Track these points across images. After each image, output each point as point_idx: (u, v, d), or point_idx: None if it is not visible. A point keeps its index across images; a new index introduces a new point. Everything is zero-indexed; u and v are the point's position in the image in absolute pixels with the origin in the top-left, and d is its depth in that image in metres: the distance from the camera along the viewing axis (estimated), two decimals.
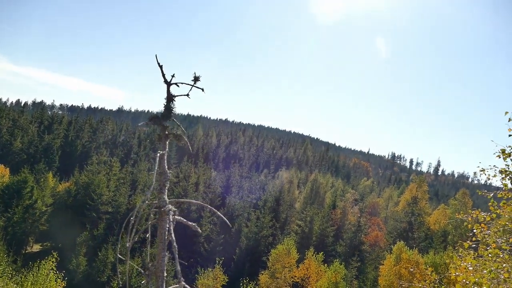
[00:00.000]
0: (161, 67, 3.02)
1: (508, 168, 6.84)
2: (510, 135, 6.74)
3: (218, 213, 2.83)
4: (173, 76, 3.05)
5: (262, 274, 38.60)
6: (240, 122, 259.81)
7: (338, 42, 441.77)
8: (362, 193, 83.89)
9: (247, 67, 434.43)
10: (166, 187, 2.79)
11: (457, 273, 7.11)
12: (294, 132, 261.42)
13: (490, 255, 7.03)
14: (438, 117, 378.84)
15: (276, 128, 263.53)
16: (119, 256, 2.78)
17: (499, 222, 7.59)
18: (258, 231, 49.47)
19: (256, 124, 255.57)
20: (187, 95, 3.11)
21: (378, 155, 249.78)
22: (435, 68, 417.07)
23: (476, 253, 7.83)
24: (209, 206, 2.90)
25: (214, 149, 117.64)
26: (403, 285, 27.37)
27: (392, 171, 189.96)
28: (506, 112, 6.70)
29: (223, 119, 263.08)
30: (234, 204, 55.61)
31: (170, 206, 2.68)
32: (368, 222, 59.58)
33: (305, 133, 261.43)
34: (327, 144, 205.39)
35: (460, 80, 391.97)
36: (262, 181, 70.47)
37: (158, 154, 2.81)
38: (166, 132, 3.00)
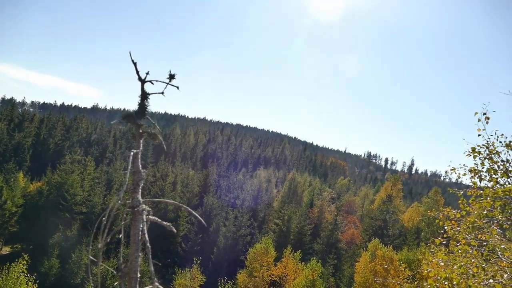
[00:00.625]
0: (135, 64, 2.95)
1: (477, 167, 7.06)
2: (479, 135, 6.97)
3: (193, 212, 2.79)
4: (147, 73, 2.98)
5: (240, 273, 38.58)
6: (219, 121, 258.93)
7: (316, 43, 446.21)
8: (339, 192, 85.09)
9: (227, 66, 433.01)
10: (140, 187, 2.73)
11: (429, 269, 7.31)
12: (272, 131, 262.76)
13: (460, 251, 7.26)
14: (412, 117, 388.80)
15: (255, 127, 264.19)
16: (91, 257, 2.70)
17: (469, 219, 7.84)
18: (236, 230, 49.42)
19: (235, 123, 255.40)
20: (162, 93, 3.04)
21: (355, 154, 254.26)
22: (409, 69, 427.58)
23: (447, 249, 8.07)
24: (183, 206, 2.85)
25: (192, 148, 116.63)
26: (378, 282, 27.96)
27: (368, 170, 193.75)
28: (476, 113, 6.92)
29: (201, 117, 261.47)
30: (212, 203, 55.30)
31: (144, 206, 2.62)
32: (344, 220, 60.54)
33: (283, 133, 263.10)
34: (305, 144, 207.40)
35: (433, 81, 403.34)
36: (240, 180, 70.41)
37: (132, 153, 2.74)
38: (141, 131, 2.93)
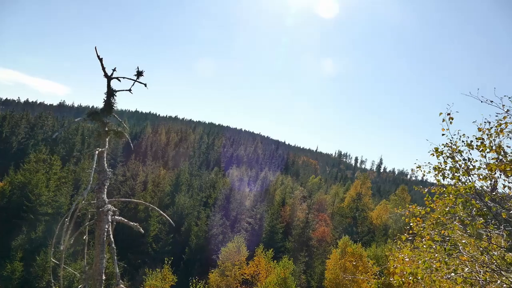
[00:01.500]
0: (101, 60, 2.85)
1: (441, 165, 7.32)
2: (443, 134, 7.23)
3: (160, 211, 2.74)
4: (114, 70, 2.89)
5: (212, 272, 38.40)
6: (191, 119, 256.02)
7: (290, 44, 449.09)
8: (310, 190, 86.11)
9: (199, 64, 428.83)
10: (106, 186, 2.64)
11: (395, 265, 7.53)
12: (245, 130, 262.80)
13: (424, 246, 7.52)
14: (381, 117, 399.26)
15: (227, 126, 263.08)
16: (53, 260, 2.60)
17: (433, 215, 8.14)
18: (208, 229, 49.11)
19: (207, 122, 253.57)
20: (130, 90, 2.97)
21: (326, 153, 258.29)
22: (379, 71, 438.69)
23: (413, 245, 8.34)
24: (151, 205, 2.79)
25: (163, 146, 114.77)
26: (347, 278, 28.55)
27: (339, 168, 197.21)
28: (440, 113, 7.18)
29: (173, 116, 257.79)
30: (184, 202, 54.71)
31: (109, 206, 2.54)
32: (315, 218, 61.40)
33: (256, 132, 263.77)
34: (277, 143, 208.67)
35: (401, 83, 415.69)
36: (213, 179, 69.94)
37: (97, 152, 2.65)
38: (106, 129, 2.84)
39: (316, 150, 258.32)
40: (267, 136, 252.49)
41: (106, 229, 2.48)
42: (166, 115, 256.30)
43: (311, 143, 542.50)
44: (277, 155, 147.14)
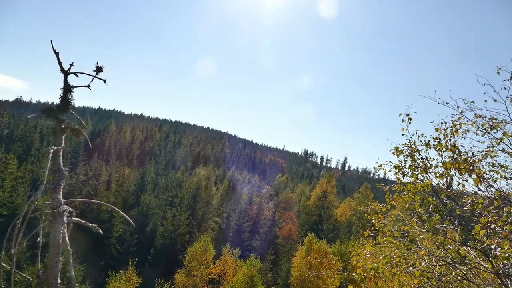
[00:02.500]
0: (57, 54, 2.71)
1: (401, 164, 7.59)
2: (403, 134, 7.51)
3: (120, 212, 2.65)
4: (71, 65, 2.76)
5: (178, 273, 37.91)
6: (157, 117, 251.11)
7: (257, 43, 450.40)
8: (277, 189, 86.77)
9: (165, 61, 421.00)
10: (61, 186, 2.52)
11: (358, 260, 7.74)
12: (212, 129, 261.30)
13: (385, 242, 7.79)
14: (346, 117, 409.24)
15: (194, 124, 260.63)
16: (3, 265, 2.46)
17: (393, 212, 8.44)
18: (174, 229, 48.41)
19: (173, 120, 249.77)
20: (88, 86, 2.84)
21: (293, 152, 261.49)
22: (343, 71, 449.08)
23: (375, 241, 8.61)
24: (110, 206, 2.70)
25: (128, 145, 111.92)
26: (312, 275, 29.06)
27: (305, 167, 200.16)
28: (400, 114, 7.45)
29: (138, 114, 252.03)
30: (149, 202, 53.59)
31: (65, 207, 2.43)
32: (282, 216, 62.04)
33: (223, 130, 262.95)
34: (244, 141, 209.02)
35: (363, 83, 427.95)
36: (179, 178, 68.93)
37: (51, 150, 2.52)
38: (62, 126, 2.70)
39: (283, 149, 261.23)
40: (235, 135, 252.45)
41: (61, 231, 2.37)
42: (131, 113, 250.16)
43: (278, 142, 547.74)
44: (245, 154, 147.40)
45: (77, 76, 2.83)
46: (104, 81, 2.81)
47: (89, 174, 56.66)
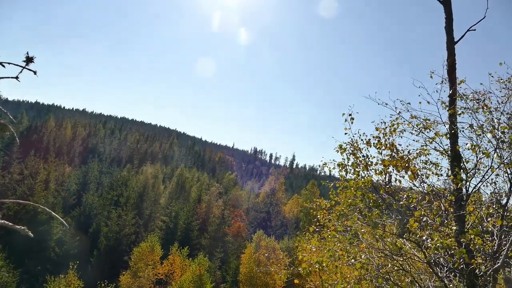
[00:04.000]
0: None
1: (344, 161, 7.93)
2: (346, 133, 7.84)
3: (52, 213, 2.52)
4: None
5: (123, 274, 36.66)
6: (101, 113, 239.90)
7: (204, 37, 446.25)
8: (226, 186, 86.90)
9: (110, 55, 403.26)
10: None
11: (304, 255, 7.98)
12: (160, 126, 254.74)
13: (329, 236, 8.11)
14: (295, 115, 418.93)
15: (141, 121, 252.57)
16: None
17: (337, 208, 8.80)
18: (119, 229, 46.68)
19: (119, 116, 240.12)
20: (17, 77, 2.64)
21: (242, 150, 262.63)
22: (290, 71, 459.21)
23: (320, 236, 8.93)
24: (40, 206, 2.55)
25: (69, 142, 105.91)
26: (261, 271, 29.47)
27: (254, 165, 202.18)
28: (343, 114, 7.78)
29: (80, 109, 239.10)
30: (92, 202, 51.15)
31: None
32: (231, 214, 62.17)
33: (172, 127, 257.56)
34: (193, 139, 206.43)
35: (308, 83, 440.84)
36: (125, 177, 66.50)
37: None
38: None
39: (233, 146, 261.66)
40: (184, 132, 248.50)
41: None
42: (73, 108, 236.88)
43: (228, 139, 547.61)
44: (194, 151, 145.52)
45: (3, 66, 2.63)
46: (35, 72, 2.63)
47: (25, 173, 52.87)
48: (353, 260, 6.77)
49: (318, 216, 8.64)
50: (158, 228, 53.69)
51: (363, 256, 6.76)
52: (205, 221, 58.92)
